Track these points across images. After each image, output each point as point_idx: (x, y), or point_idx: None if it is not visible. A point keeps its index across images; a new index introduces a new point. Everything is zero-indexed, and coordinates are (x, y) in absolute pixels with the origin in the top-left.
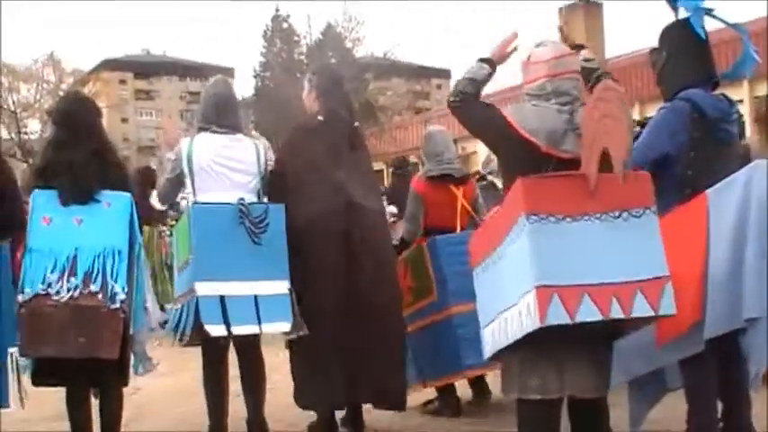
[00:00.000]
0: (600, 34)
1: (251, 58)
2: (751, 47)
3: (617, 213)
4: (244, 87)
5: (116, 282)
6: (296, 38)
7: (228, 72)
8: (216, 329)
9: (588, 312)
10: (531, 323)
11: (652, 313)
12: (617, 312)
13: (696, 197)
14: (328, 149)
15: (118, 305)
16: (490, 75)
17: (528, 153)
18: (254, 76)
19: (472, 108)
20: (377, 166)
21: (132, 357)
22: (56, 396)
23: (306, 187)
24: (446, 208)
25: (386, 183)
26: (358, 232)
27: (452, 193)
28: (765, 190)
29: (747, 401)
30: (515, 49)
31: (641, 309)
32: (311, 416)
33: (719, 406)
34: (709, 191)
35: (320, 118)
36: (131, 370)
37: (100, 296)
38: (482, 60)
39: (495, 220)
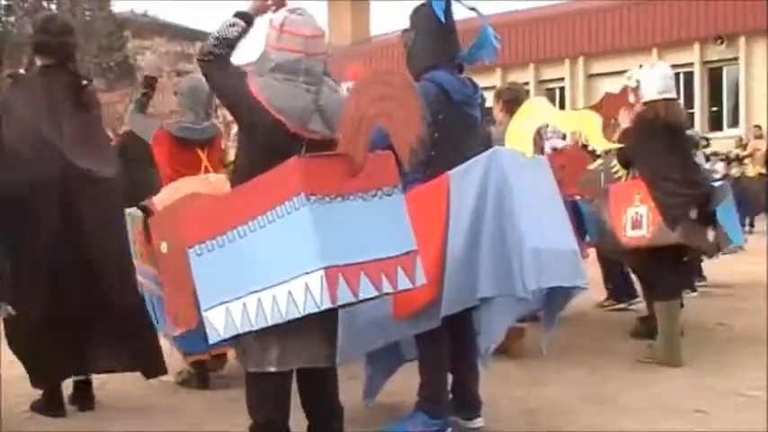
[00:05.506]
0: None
1: None
2: (491, 33)
3: (373, 192)
4: None
5: None
6: None
7: None
8: None
9: (366, 290)
10: (314, 304)
11: (411, 286)
12: (387, 287)
13: (438, 178)
14: (43, 107)
15: None
16: (244, 31)
17: (275, 131)
18: None
19: (219, 72)
20: None
21: None
22: None
23: (14, 147)
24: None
25: None
26: (76, 198)
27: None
28: (503, 175)
29: (475, 374)
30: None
31: (403, 282)
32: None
33: (450, 378)
34: (450, 172)
35: (32, 72)
36: None
37: None
38: (237, 15)
39: (230, 198)
